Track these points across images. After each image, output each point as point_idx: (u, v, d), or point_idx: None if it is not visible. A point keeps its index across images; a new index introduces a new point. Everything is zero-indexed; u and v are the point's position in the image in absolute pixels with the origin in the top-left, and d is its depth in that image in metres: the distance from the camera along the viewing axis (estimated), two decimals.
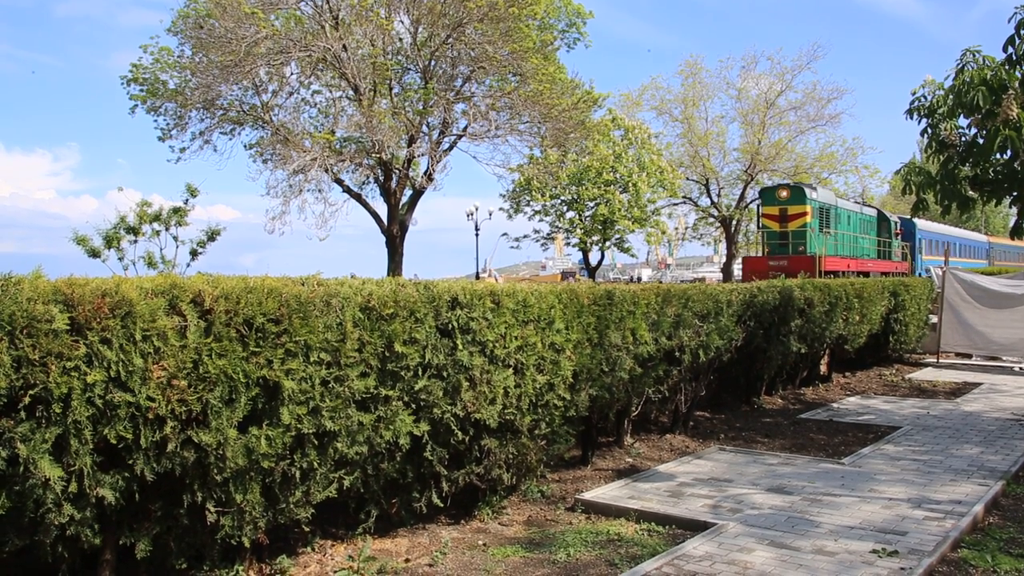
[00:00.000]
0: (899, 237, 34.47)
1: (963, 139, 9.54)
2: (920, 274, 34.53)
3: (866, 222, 32.11)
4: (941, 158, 9.73)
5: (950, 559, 5.56)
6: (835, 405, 12.18)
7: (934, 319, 18.25)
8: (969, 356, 18.26)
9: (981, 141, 9.28)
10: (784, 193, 26.62)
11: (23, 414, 3.85)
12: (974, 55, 9.11)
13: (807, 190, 26.64)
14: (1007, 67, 8.81)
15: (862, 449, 8.85)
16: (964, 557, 5.58)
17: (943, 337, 17.86)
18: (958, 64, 9.18)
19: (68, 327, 3.97)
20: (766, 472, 7.82)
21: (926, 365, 17.62)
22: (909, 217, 39.15)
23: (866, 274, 26.95)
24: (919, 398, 12.88)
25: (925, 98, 9.65)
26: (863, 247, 31.09)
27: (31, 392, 3.84)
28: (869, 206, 34.62)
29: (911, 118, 9.72)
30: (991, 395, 13.15)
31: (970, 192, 9.88)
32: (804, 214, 25.88)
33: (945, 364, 17.73)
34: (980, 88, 8.71)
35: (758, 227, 27.85)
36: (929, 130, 9.68)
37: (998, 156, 9.40)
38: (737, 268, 39.48)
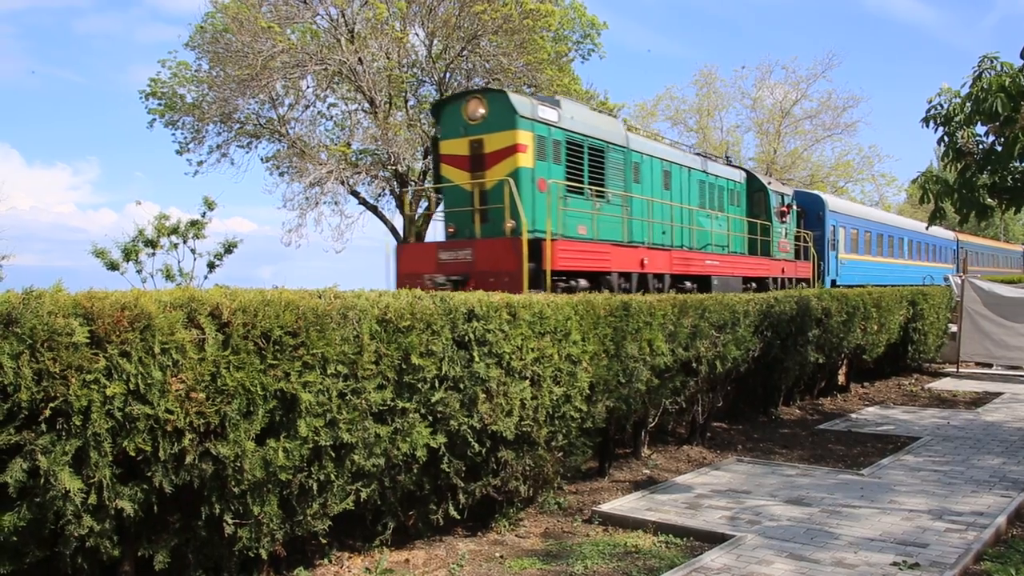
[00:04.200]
0: (785, 218, 21.28)
1: (981, 147, 9.48)
2: (832, 281, 23.54)
3: (717, 189, 18.88)
4: (958, 166, 9.67)
5: (973, 572, 5.49)
6: (853, 415, 12.09)
7: (954, 328, 18.10)
8: (990, 366, 18.10)
9: (999, 148, 9.23)
10: (479, 110, 13.00)
11: (44, 427, 3.89)
12: (992, 61, 9.05)
13: (520, 101, 12.86)
14: None
15: (881, 460, 8.78)
16: (987, 570, 5.51)
17: (963, 346, 17.71)
18: (975, 71, 9.13)
19: (88, 340, 4.01)
20: (784, 483, 7.77)
21: (946, 375, 17.47)
22: (816, 192, 25.04)
23: (704, 280, 16.29)
24: (939, 408, 12.77)
25: (941, 106, 9.60)
26: (705, 232, 17.97)
27: (52, 405, 3.87)
28: (734, 166, 21.43)
29: (927, 126, 9.68)
30: (1012, 405, 13.01)
31: (988, 200, 9.80)
32: (513, 150, 12.50)
33: (965, 374, 17.57)
34: (999, 95, 8.65)
35: (435, 179, 14.18)
36: (946, 138, 9.62)
37: (1017, 163, 9.34)
38: None
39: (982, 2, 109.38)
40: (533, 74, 22.19)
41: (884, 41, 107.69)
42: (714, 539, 6.06)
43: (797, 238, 22.22)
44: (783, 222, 21.29)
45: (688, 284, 15.80)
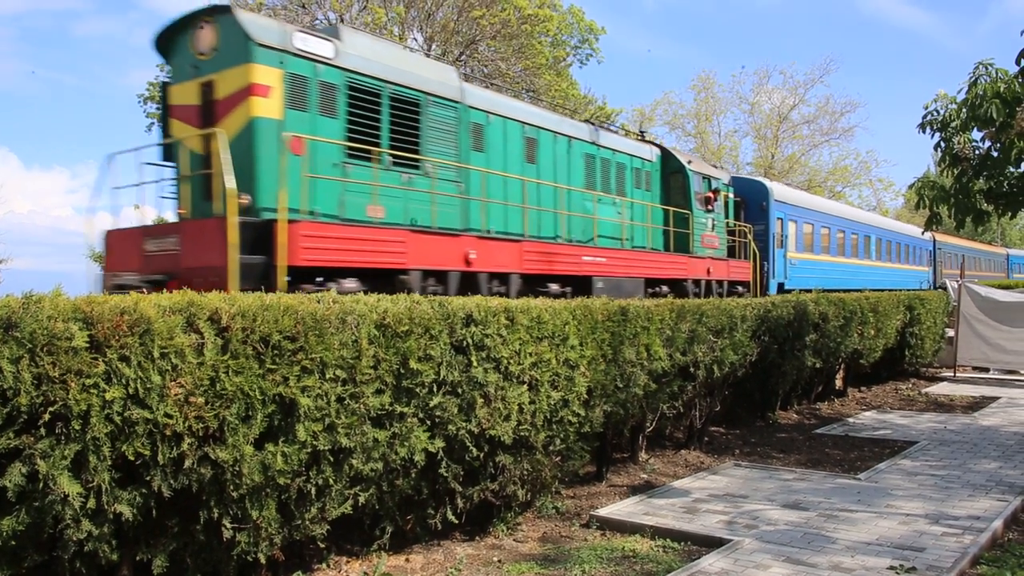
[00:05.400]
0: (711, 206, 17.74)
1: (977, 152, 9.54)
2: (779, 285, 20.06)
3: (615, 166, 15.47)
4: (955, 172, 9.72)
5: (969, 575, 5.52)
6: (851, 420, 12.11)
7: (951, 333, 18.15)
8: (986, 370, 18.14)
9: (995, 154, 9.29)
10: (208, 39, 9.80)
11: (43, 431, 3.90)
12: (987, 68, 9.12)
13: (257, 24, 9.54)
14: (1020, 79, 8.81)
15: (878, 464, 8.80)
16: (984, 574, 5.53)
17: (960, 351, 17.75)
18: (971, 77, 9.21)
19: (87, 345, 4.02)
20: (781, 488, 7.78)
21: (943, 379, 17.50)
22: (759, 179, 21.47)
23: (583, 282, 13.08)
24: (936, 412, 12.79)
25: (938, 112, 9.67)
26: (593, 220, 14.35)
27: (51, 409, 3.88)
28: (646, 140, 17.90)
29: (924, 132, 9.74)
30: (1009, 409, 13.03)
31: (985, 205, 9.86)
32: (247, 94, 9.29)
33: (962, 378, 17.60)
34: (994, 101, 8.72)
35: (164, 134, 10.65)
36: (942, 144, 9.68)
37: (1012, 169, 9.40)
38: None
39: (977, 8, 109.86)
40: (531, 79, 22.26)
41: (881, 46, 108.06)
42: (711, 543, 6.07)
43: (732, 232, 18.63)
44: (709, 211, 17.57)
45: (554, 287, 12.50)
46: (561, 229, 13.60)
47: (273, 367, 4.66)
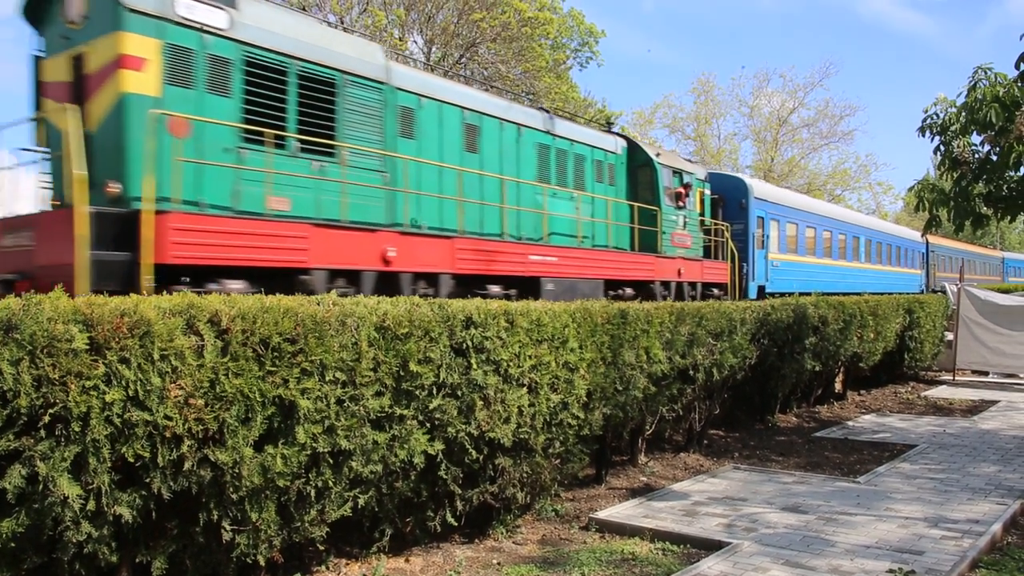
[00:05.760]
0: (682, 202, 16.60)
1: (976, 156, 9.56)
2: (760, 288, 19.25)
3: (573, 158, 14.43)
4: (954, 175, 9.74)
5: None
6: (850, 423, 12.11)
7: (950, 336, 18.15)
8: (986, 374, 18.14)
9: (994, 158, 9.30)
10: (77, 4, 8.76)
11: (43, 433, 3.90)
12: (986, 72, 9.14)
13: None
14: (1020, 84, 8.83)
15: (878, 467, 8.80)
16: None
17: (959, 354, 17.75)
18: (970, 81, 9.22)
19: (87, 346, 4.02)
20: (781, 491, 7.78)
21: (942, 383, 17.50)
22: (738, 175, 20.62)
23: (530, 284, 12.14)
24: (935, 416, 12.79)
25: (937, 116, 9.68)
26: (550, 217, 13.39)
27: (51, 411, 3.89)
28: (612, 132, 17.09)
29: (923, 136, 9.75)
30: (1008, 413, 13.04)
31: (984, 209, 9.87)
32: (116, 67, 8.27)
33: (961, 382, 17.61)
34: (993, 105, 8.74)
35: (36, 106, 9.58)
36: (942, 147, 9.69)
37: (1012, 173, 9.41)
38: None
39: (977, 13, 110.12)
40: (531, 82, 22.30)
41: (881, 50, 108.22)
42: (711, 546, 6.07)
43: (708, 231, 17.69)
44: (680, 207, 16.37)
45: (495, 289, 11.47)
46: (506, 225, 12.57)
47: (273, 369, 4.66)
